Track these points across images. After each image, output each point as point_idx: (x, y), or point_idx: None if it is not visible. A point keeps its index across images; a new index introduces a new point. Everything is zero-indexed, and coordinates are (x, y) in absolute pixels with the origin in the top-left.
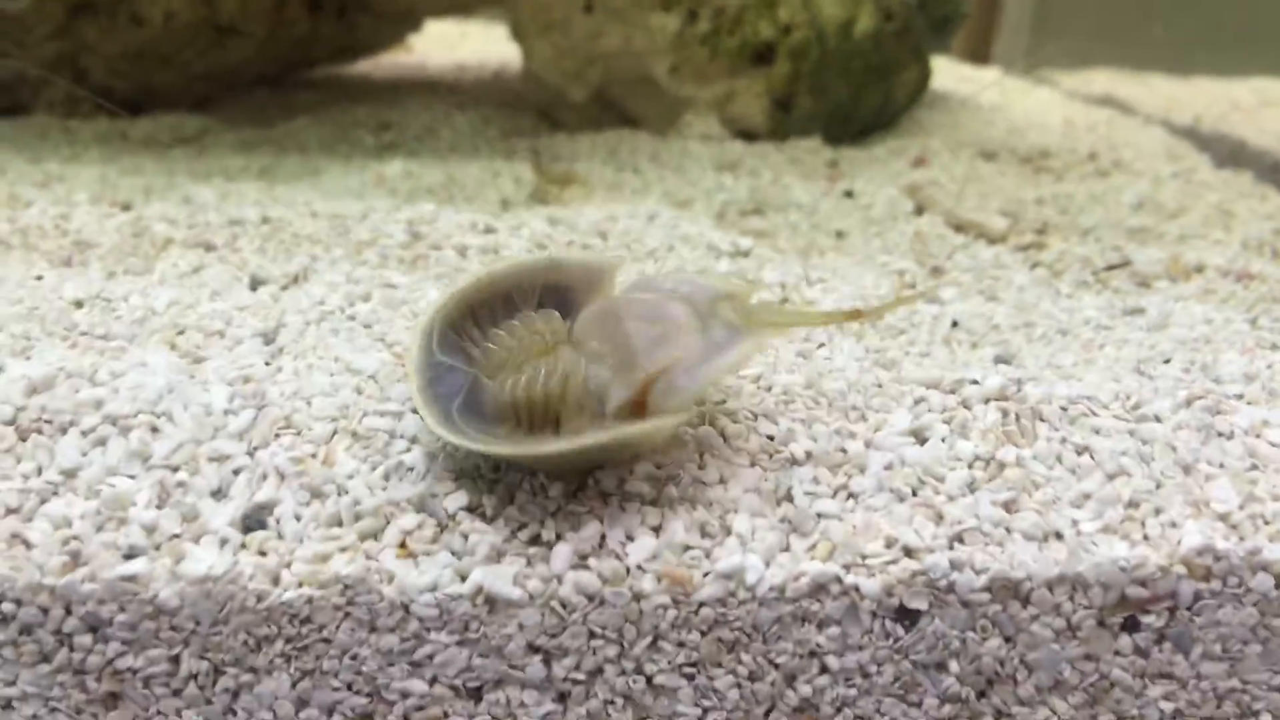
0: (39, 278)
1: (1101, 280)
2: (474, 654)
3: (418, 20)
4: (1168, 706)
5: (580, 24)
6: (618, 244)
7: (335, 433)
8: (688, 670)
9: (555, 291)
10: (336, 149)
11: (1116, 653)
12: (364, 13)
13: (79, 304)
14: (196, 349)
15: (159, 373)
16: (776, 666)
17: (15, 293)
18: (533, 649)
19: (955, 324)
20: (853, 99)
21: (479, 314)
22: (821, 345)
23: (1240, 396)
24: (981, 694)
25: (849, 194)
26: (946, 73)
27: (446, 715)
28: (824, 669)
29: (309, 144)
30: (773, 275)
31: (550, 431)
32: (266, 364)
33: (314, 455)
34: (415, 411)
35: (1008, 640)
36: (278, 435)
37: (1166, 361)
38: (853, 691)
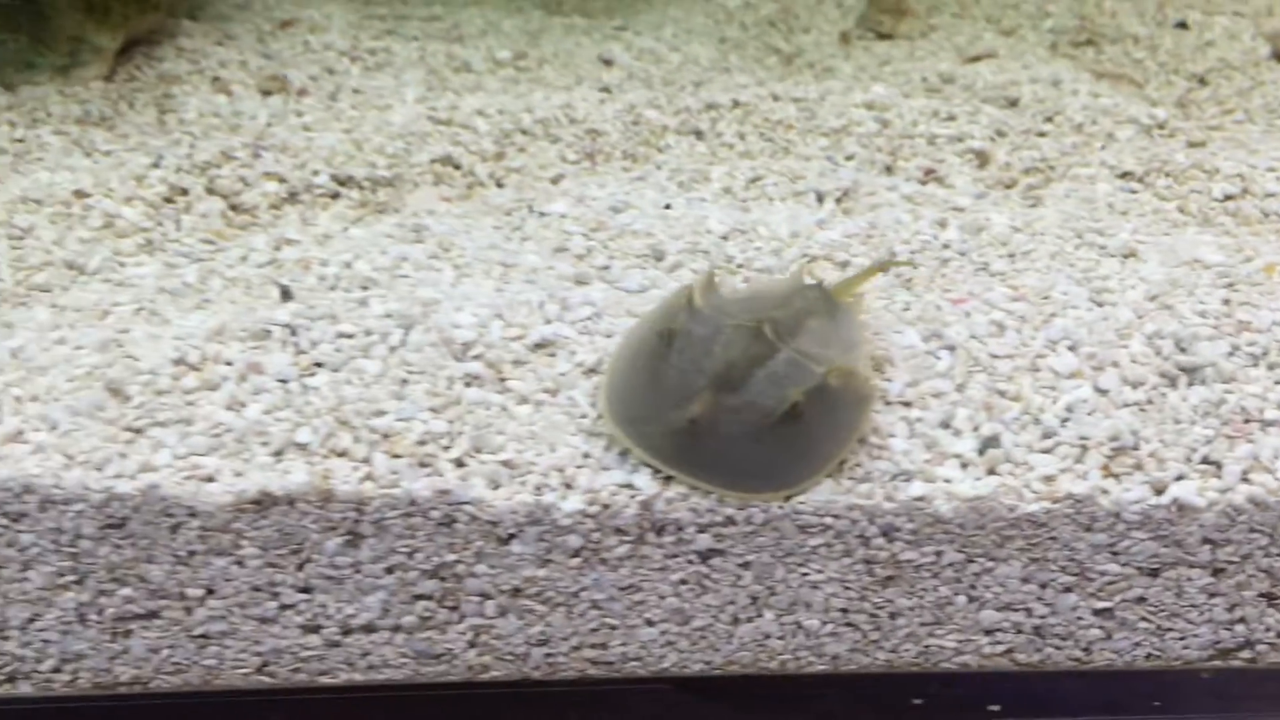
0: (667, 206)
1: None
2: (1160, 545)
3: None
4: None
5: None
6: (1036, 113)
7: (1017, 369)
8: None
9: None
10: None
11: None
12: None
13: (725, 237)
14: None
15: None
16: None
17: (666, 227)
18: (1205, 540)
19: None
20: None
21: None
22: None
23: None
24: None
25: (1183, 25)
26: None
27: (1131, 588)
28: None
29: None
30: (1228, 165)
31: None
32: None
33: (1002, 393)
34: None
35: None
36: (971, 373)
37: None
38: None
